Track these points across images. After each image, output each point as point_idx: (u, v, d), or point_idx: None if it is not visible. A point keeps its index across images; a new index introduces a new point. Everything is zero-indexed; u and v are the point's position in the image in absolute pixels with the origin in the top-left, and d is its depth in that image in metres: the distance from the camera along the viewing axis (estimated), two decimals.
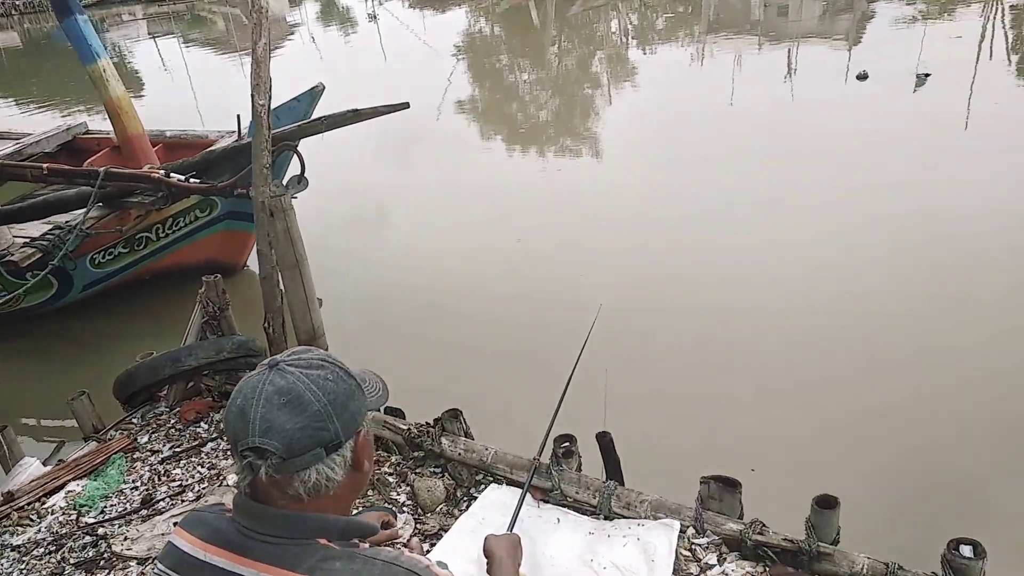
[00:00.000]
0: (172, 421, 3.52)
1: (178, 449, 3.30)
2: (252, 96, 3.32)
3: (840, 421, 3.79)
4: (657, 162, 8.33)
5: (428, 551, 2.46)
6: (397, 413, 3.17)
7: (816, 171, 7.30)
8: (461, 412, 3.01)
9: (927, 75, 9.90)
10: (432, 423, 3.01)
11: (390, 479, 2.91)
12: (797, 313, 4.83)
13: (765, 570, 2.35)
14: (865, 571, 2.26)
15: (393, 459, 3.02)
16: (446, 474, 2.90)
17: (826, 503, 2.40)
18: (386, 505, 2.67)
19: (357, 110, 4.72)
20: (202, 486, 3.05)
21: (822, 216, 6.31)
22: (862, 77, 10.34)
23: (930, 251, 5.55)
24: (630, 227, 6.51)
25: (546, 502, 2.69)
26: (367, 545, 1.29)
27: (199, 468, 3.17)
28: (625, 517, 2.59)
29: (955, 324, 4.57)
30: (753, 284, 5.23)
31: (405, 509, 2.76)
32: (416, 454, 2.99)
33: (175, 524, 1.25)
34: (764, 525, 2.44)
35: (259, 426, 1.12)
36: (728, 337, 4.61)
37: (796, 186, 7.04)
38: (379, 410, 3.21)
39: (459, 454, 2.87)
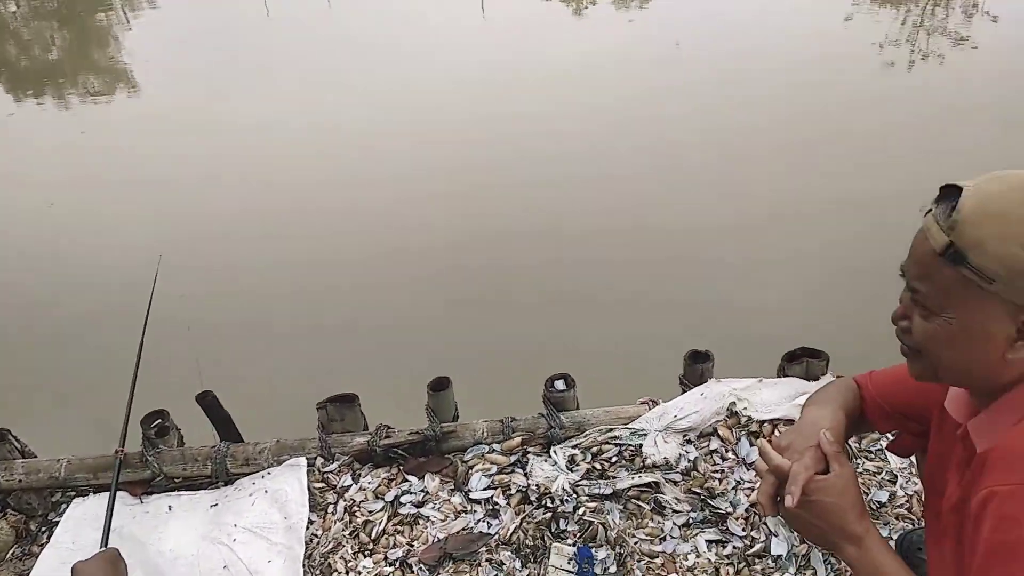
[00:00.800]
0: None
1: None
2: None
3: (427, 311, 3.95)
4: (202, 90, 7.58)
5: None
6: None
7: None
8: (9, 431, 2.40)
9: None
10: None
11: None
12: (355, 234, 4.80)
13: (399, 470, 2.35)
14: (485, 433, 2.39)
15: None
16: (8, 510, 2.30)
17: (439, 385, 2.46)
18: None
19: None
20: None
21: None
22: None
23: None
24: (180, 163, 5.84)
25: (149, 494, 2.31)
26: None
27: None
28: (248, 474, 2.35)
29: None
30: (311, 193, 5.08)
31: None
32: None
33: None
34: (389, 427, 2.41)
35: None
36: (306, 259, 4.45)
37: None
38: None
39: (19, 481, 2.30)
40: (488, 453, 2.36)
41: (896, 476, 2.13)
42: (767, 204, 4.72)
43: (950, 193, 1.09)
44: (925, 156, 5.09)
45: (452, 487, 2.29)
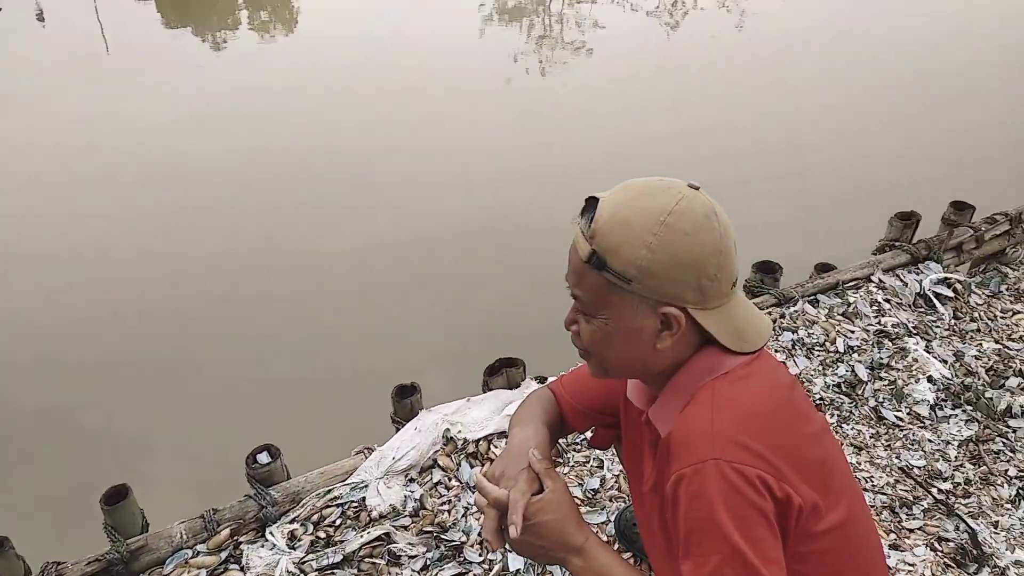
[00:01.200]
0: None
1: None
2: None
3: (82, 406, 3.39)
4: None
5: None
6: None
7: None
8: None
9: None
10: None
11: None
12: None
13: None
14: (185, 536, 2.08)
15: None
16: None
17: (116, 496, 2.09)
18: None
19: None
20: None
21: None
22: None
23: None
24: None
25: None
26: None
27: None
28: None
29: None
30: None
31: None
32: None
33: None
34: (60, 563, 1.99)
35: None
36: None
37: None
38: None
39: None
40: (192, 558, 2.06)
41: (603, 461, 2.28)
42: (439, 227, 4.86)
43: (592, 204, 1.16)
44: (579, 166, 5.62)
45: None
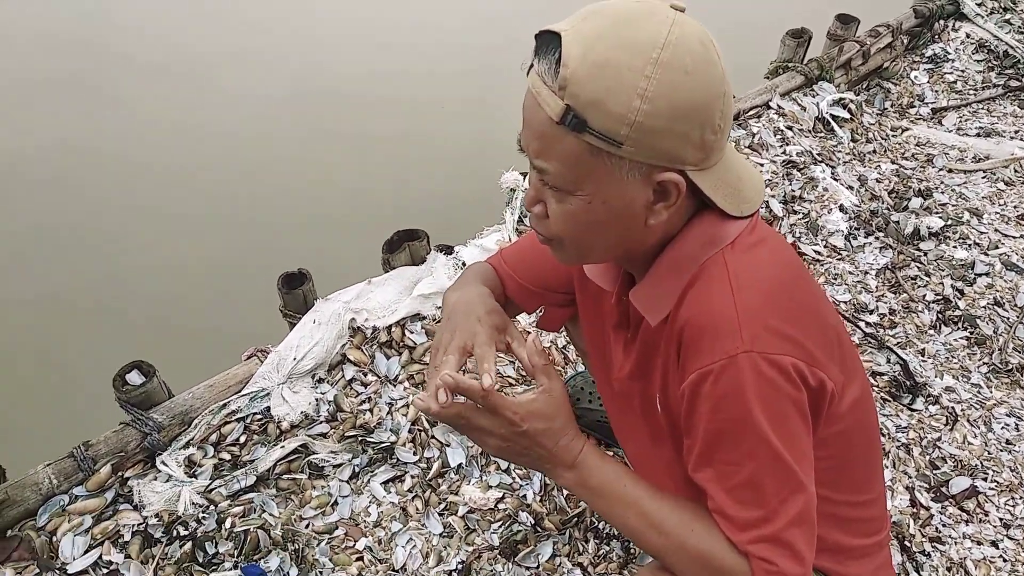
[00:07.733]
0: None
1: None
2: None
3: None
4: None
5: None
6: None
7: None
8: None
9: None
10: None
11: None
12: None
13: None
14: (56, 480, 1.82)
15: None
16: None
17: None
18: None
19: None
20: None
21: None
22: None
23: None
24: None
25: None
26: None
27: None
28: None
29: None
30: None
31: None
32: None
33: None
34: None
35: None
36: None
37: None
38: None
39: None
40: (70, 504, 1.80)
41: None
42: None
43: (548, 42, 0.91)
44: None
45: (37, 572, 1.71)
